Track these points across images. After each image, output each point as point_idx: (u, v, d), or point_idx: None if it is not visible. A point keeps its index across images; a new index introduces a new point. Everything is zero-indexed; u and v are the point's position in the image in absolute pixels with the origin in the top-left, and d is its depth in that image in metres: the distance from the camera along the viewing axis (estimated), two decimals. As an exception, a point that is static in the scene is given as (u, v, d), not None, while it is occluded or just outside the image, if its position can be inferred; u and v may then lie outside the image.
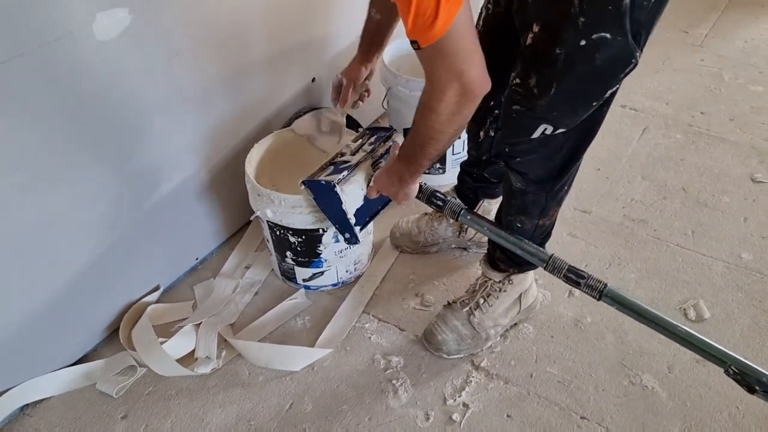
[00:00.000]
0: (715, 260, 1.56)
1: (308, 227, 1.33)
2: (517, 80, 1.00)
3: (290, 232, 1.35)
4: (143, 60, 1.18)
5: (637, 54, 0.91)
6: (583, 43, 0.89)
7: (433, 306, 1.46)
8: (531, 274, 1.36)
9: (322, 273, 1.45)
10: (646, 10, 0.88)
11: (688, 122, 2.10)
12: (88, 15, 1.04)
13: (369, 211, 1.33)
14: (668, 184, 1.83)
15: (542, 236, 1.26)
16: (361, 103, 1.44)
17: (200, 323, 1.38)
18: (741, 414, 1.22)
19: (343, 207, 1.24)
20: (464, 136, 1.58)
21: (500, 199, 1.30)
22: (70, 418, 1.24)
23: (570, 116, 1.00)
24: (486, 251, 1.36)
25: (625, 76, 0.95)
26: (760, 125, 2.07)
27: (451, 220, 1.52)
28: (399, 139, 1.35)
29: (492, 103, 1.21)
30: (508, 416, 1.23)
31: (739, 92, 2.26)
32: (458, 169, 1.51)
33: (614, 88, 0.97)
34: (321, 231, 1.34)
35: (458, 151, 1.73)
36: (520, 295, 1.35)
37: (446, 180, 1.77)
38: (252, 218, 1.39)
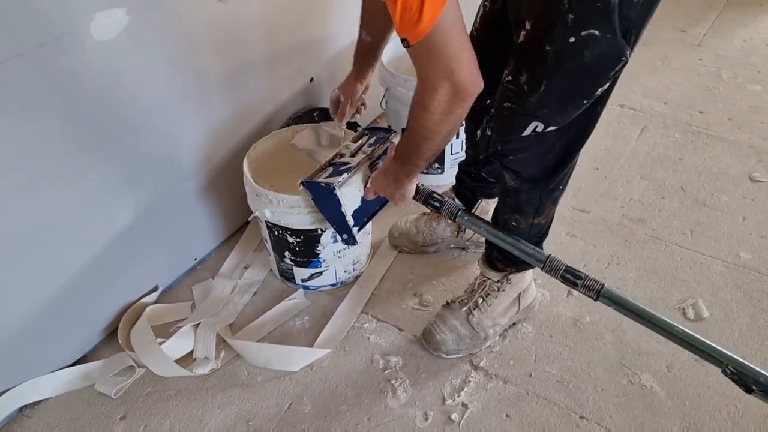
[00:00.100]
0: (713, 259, 1.57)
1: (307, 227, 1.33)
2: (509, 77, 1.00)
3: (289, 232, 1.35)
4: (142, 60, 1.18)
5: (627, 52, 0.91)
6: (572, 40, 0.89)
7: (432, 306, 1.46)
8: (529, 274, 1.36)
9: (320, 273, 1.45)
10: (637, 7, 0.88)
11: (687, 121, 2.10)
12: (87, 15, 1.04)
13: (367, 212, 1.33)
14: (667, 183, 1.83)
15: (539, 235, 1.26)
16: (358, 115, 1.46)
17: (199, 324, 1.38)
18: (740, 413, 1.22)
19: (342, 209, 1.24)
20: (463, 135, 1.58)
21: (499, 198, 1.30)
22: (68, 419, 1.24)
23: (560, 114, 0.99)
24: (484, 251, 1.36)
25: (616, 74, 0.94)
26: (759, 124, 2.07)
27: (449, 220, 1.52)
28: (396, 140, 1.36)
29: (489, 101, 1.21)
30: (507, 416, 1.23)
31: (737, 91, 2.26)
32: (456, 169, 1.51)
33: (605, 86, 0.97)
34: (319, 231, 1.34)
35: (457, 151, 1.73)
36: (519, 294, 1.35)
37: (445, 180, 1.78)
38: (250, 218, 1.39)
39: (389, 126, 1.83)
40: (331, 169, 1.27)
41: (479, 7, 1.18)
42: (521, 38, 0.95)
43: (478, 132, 1.33)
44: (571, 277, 1.15)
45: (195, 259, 1.56)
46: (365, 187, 1.28)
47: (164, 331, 1.37)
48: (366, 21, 1.28)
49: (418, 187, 1.25)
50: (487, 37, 1.16)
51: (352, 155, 1.31)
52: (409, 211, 1.66)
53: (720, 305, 1.44)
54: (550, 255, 1.18)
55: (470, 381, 1.29)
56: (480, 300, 1.33)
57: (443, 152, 1.73)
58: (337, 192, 1.20)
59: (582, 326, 1.40)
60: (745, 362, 1.02)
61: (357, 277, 1.53)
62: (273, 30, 1.48)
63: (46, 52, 1.00)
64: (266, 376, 1.31)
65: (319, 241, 1.37)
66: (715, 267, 1.55)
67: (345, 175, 1.22)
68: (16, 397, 1.22)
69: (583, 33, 0.88)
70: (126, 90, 1.18)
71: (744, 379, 1.00)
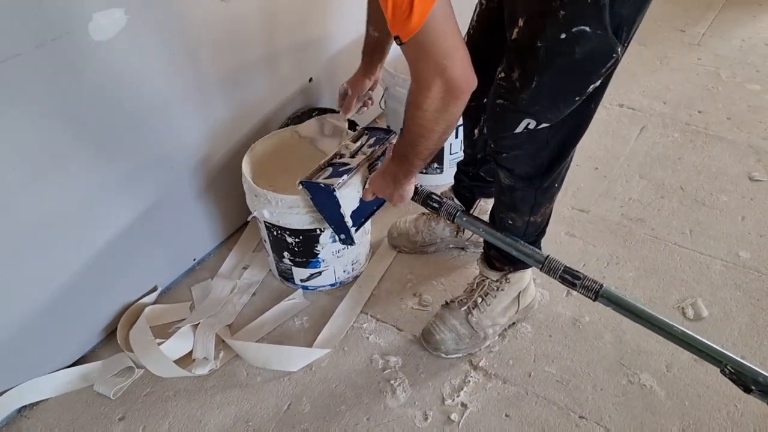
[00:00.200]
0: (713, 259, 1.57)
1: (305, 227, 1.33)
2: (502, 74, 1.00)
3: (287, 232, 1.35)
4: (141, 60, 1.18)
5: (619, 49, 0.91)
6: (563, 36, 0.88)
7: (431, 306, 1.46)
8: (528, 273, 1.36)
9: (319, 273, 1.45)
10: (628, 4, 0.88)
11: (686, 121, 2.10)
12: (85, 15, 1.04)
13: (364, 212, 1.33)
14: (666, 183, 1.83)
15: (536, 233, 1.25)
16: (365, 109, 1.48)
17: (198, 324, 1.38)
18: (739, 413, 1.22)
19: (341, 210, 1.24)
20: (462, 135, 1.58)
21: (498, 198, 1.30)
22: (67, 419, 1.24)
23: (552, 111, 0.99)
24: (482, 250, 1.36)
25: (607, 71, 0.94)
26: (758, 124, 2.07)
27: (448, 220, 1.52)
28: (394, 140, 1.36)
29: (485, 100, 1.21)
30: (506, 416, 1.23)
31: (736, 91, 2.26)
32: (455, 169, 1.51)
33: (597, 84, 0.96)
34: (318, 231, 1.34)
35: (456, 150, 1.73)
36: (519, 294, 1.35)
37: (444, 180, 1.78)
38: (249, 219, 1.39)
39: (388, 126, 1.84)
40: (330, 169, 1.27)
41: (476, 5, 1.18)
42: (514, 35, 0.95)
43: (476, 131, 1.33)
44: (570, 278, 1.15)
45: (194, 260, 1.56)
46: (364, 188, 1.28)
47: (163, 331, 1.37)
48: (372, 17, 1.29)
49: (416, 188, 1.25)
50: (484, 36, 1.16)
51: (352, 156, 1.31)
52: (408, 211, 1.66)
53: (719, 304, 1.45)
54: (548, 255, 1.18)
55: (470, 381, 1.29)
56: (479, 300, 1.33)
57: (442, 152, 1.73)
58: (337, 194, 1.20)
59: (581, 326, 1.40)
60: (743, 362, 1.02)
61: (356, 277, 1.53)
62: (273, 30, 1.48)
63: (45, 52, 1.00)
64: (265, 377, 1.31)
65: (318, 241, 1.37)
66: (715, 266, 1.55)
67: (345, 177, 1.22)
68: (15, 397, 1.22)
69: (574, 29, 0.88)
70: (125, 90, 1.18)
71: (743, 378, 1.00)
